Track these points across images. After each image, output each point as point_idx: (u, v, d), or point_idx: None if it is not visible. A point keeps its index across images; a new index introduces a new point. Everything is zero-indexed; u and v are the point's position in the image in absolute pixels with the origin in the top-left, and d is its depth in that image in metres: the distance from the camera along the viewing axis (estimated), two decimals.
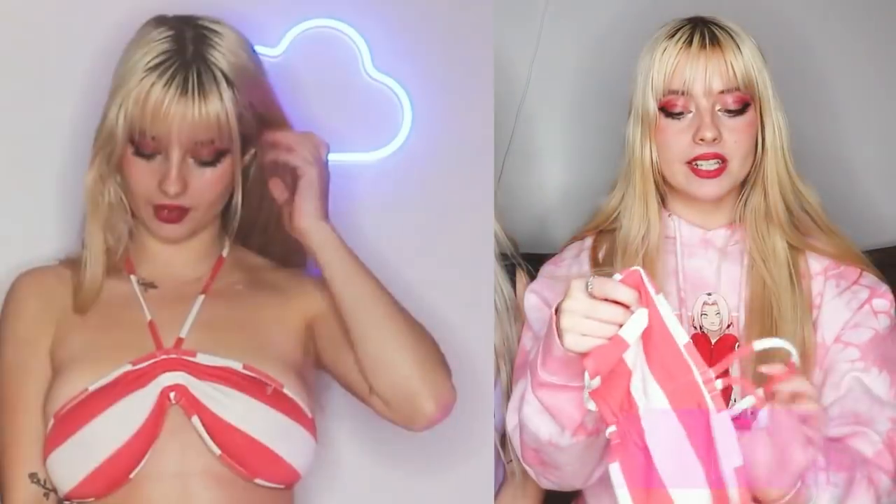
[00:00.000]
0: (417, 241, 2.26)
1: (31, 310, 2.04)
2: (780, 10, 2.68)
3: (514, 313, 2.29)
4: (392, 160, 2.26)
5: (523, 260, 2.35)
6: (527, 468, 2.08)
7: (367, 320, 1.99)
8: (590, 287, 1.74)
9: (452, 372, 2.02)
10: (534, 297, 2.21)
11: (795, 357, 1.78)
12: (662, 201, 2.20)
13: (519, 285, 2.32)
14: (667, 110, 2.13)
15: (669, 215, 2.20)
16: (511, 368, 2.26)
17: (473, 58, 2.28)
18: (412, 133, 2.26)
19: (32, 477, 1.99)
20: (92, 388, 1.95)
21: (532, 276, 2.29)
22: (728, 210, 2.19)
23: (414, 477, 2.25)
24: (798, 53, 2.68)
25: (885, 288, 2.16)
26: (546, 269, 2.26)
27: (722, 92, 2.11)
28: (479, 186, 2.27)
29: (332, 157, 2.05)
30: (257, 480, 1.97)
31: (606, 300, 1.72)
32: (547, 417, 1.94)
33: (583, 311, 1.74)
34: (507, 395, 2.24)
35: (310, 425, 2.01)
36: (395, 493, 2.24)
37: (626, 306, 1.72)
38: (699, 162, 2.12)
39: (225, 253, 2.11)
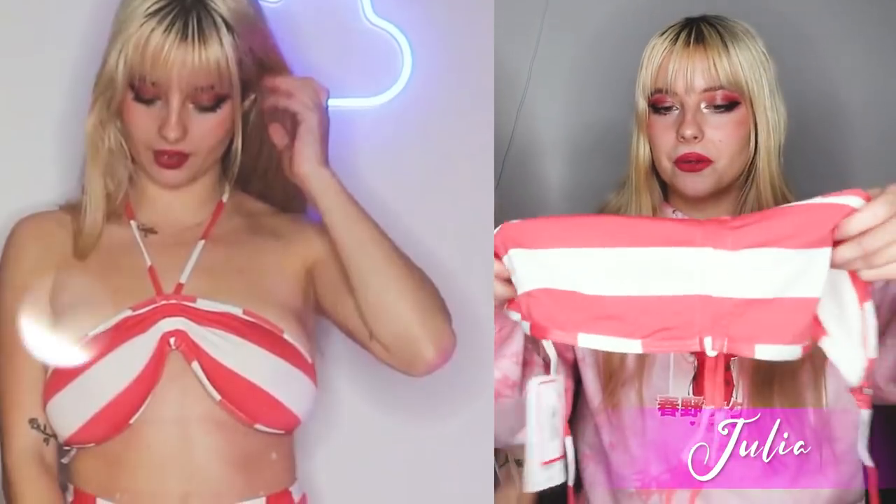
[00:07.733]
0: (417, 186, 2.26)
1: (31, 255, 2.04)
2: (785, 7, 2.66)
3: None
4: (392, 106, 2.26)
5: None
6: None
7: (368, 266, 1.99)
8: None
9: (452, 317, 2.02)
10: None
11: None
12: (667, 198, 2.20)
13: None
14: (655, 106, 2.13)
15: (674, 211, 2.19)
16: None
17: (474, 3, 2.27)
18: (412, 79, 2.25)
19: (32, 423, 2.00)
20: (92, 333, 1.95)
21: None
22: (730, 212, 2.15)
23: (414, 422, 2.25)
24: (806, 50, 2.66)
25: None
26: None
27: (706, 90, 2.09)
28: (478, 132, 2.27)
29: (332, 102, 2.04)
30: (257, 426, 1.98)
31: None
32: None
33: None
34: None
35: (310, 370, 2.01)
36: (395, 438, 2.25)
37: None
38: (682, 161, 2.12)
39: (225, 198, 2.11)
